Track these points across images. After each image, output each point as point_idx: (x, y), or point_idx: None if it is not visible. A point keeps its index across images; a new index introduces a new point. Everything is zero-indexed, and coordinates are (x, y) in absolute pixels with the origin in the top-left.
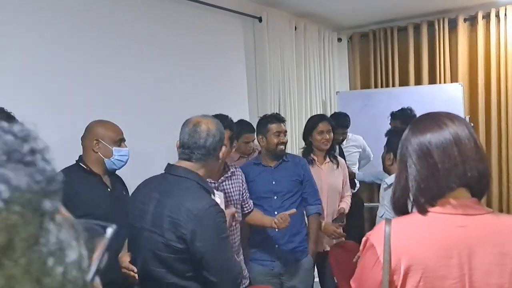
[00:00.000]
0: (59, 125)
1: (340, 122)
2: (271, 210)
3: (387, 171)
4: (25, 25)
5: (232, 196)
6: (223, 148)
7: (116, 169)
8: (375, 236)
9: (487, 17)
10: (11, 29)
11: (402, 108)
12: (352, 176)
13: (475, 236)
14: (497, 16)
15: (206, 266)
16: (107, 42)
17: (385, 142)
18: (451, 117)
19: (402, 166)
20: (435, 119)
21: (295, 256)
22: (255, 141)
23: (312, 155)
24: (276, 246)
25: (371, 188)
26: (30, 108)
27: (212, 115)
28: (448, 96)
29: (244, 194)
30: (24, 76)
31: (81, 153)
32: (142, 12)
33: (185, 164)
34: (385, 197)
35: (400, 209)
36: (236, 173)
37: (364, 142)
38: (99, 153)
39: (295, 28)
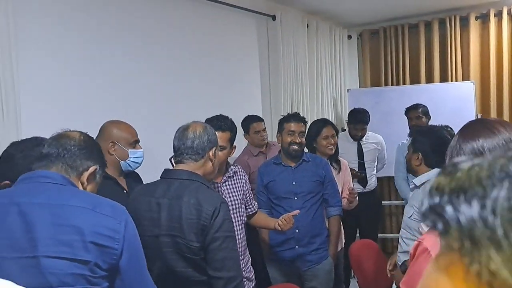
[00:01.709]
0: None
1: (359, 117)
2: (291, 211)
3: (414, 171)
4: (46, 26)
5: (234, 196)
6: (214, 150)
7: (131, 171)
8: (429, 241)
9: (499, 15)
10: (31, 29)
11: (415, 104)
12: (357, 176)
13: None
14: (509, 14)
15: (209, 261)
16: (121, 42)
17: (410, 142)
18: (502, 123)
19: None
20: (486, 125)
21: (315, 257)
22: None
23: None
24: (297, 247)
25: (381, 186)
26: (50, 110)
27: (214, 116)
28: (459, 94)
29: (248, 195)
30: (44, 77)
31: None
32: (157, 12)
33: (183, 167)
34: (414, 197)
35: None
36: (238, 173)
37: (383, 142)
38: (114, 155)
39: (307, 25)
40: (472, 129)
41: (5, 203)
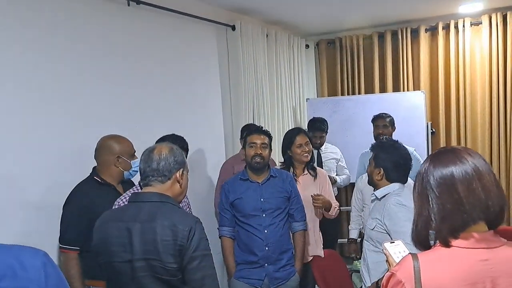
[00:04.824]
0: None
1: (317, 125)
2: (260, 229)
3: (375, 185)
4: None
5: None
6: (182, 171)
7: (130, 178)
8: (403, 272)
9: (446, 28)
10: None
11: (382, 113)
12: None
13: (498, 269)
14: (456, 27)
15: (188, 280)
16: (73, 52)
17: (372, 156)
18: (469, 152)
19: (424, 199)
20: (456, 154)
21: (284, 274)
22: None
23: (292, 168)
24: (266, 264)
25: (339, 191)
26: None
27: (166, 135)
28: (411, 104)
29: None
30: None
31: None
32: (113, 21)
33: (151, 189)
34: (375, 209)
35: (422, 242)
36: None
37: (341, 155)
38: (119, 167)
39: (267, 35)
40: (442, 157)
41: None
